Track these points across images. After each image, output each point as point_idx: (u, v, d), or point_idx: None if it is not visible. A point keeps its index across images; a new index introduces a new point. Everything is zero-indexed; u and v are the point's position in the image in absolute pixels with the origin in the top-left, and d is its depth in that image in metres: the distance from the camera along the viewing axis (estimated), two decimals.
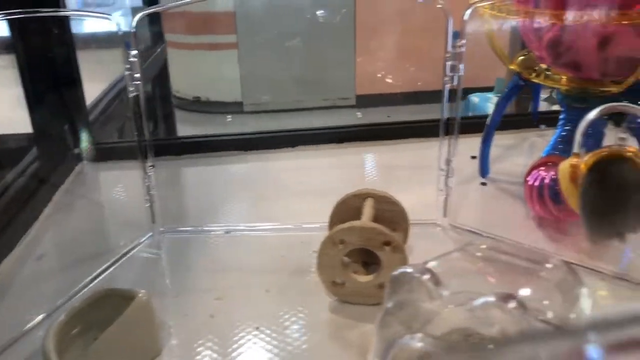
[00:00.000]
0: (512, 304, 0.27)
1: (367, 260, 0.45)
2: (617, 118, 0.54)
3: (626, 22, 0.48)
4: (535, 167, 0.54)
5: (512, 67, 0.60)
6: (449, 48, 0.49)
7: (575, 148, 0.47)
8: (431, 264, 0.32)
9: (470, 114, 1.37)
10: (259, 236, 0.55)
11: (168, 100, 1.25)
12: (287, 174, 0.68)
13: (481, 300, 0.27)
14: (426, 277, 0.30)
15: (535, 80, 0.59)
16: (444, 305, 0.28)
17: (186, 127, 2.50)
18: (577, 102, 0.58)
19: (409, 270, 0.30)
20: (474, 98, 1.38)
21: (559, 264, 0.34)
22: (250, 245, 0.53)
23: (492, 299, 0.27)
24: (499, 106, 0.62)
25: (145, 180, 0.54)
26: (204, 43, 2.46)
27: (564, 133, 0.60)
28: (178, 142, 0.73)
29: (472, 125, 0.75)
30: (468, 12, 0.48)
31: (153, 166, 0.53)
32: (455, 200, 0.60)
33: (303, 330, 0.41)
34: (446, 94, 0.51)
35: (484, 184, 0.64)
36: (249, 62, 2.44)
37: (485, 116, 0.80)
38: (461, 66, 0.50)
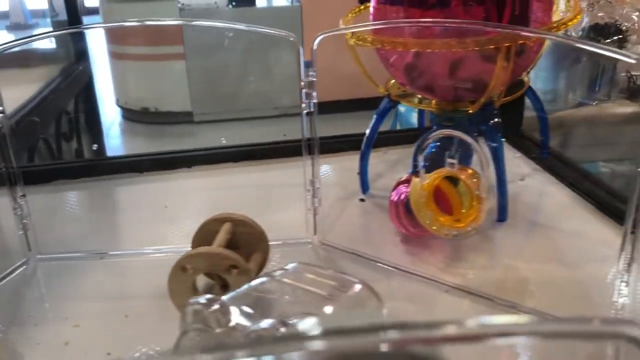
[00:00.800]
0: (283, 329, 0.29)
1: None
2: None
3: (472, 49, 0.51)
4: (399, 183, 0.57)
5: (380, 90, 0.62)
6: (302, 77, 0.52)
7: (417, 167, 0.51)
8: (227, 295, 0.34)
9: (397, 125, 1.40)
10: (132, 261, 0.56)
11: (94, 118, 1.24)
12: (175, 197, 0.69)
13: (258, 326, 0.30)
14: (215, 307, 0.32)
15: (406, 104, 0.62)
16: (228, 333, 0.31)
17: (135, 139, 2.49)
18: (445, 121, 0.62)
19: (200, 300, 0.32)
20: (401, 108, 1.42)
21: (361, 288, 0.36)
22: (121, 270, 0.55)
23: (267, 324, 0.30)
24: (373, 125, 0.65)
25: (17, 210, 0.55)
26: (151, 54, 2.45)
27: (433, 150, 0.63)
28: (64, 167, 0.74)
29: (400, 138, 0.78)
30: (316, 42, 0.51)
31: (24, 195, 0.54)
32: (332, 217, 0.63)
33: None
34: (304, 118, 0.53)
35: (362, 200, 0.67)
36: (197, 72, 2.44)
37: (410, 129, 0.84)
38: (314, 93, 0.53)
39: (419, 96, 0.61)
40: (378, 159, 0.76)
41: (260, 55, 2.29)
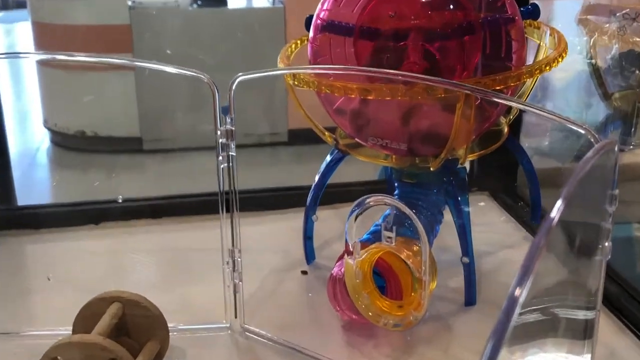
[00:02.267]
0: None
1: None
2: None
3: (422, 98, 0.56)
4: (345, 253, 0.60)
5: (327, 139, 0.67)
6: (218, 126, 0.56)
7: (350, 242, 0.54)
8: None
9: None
10: None
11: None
12: (70, 262, 0.73)
13: None
14: None
15: (357, 156, 0.66)
16: None
17: (65, 171, 2.53)
18: (406, 177, 0.66)
19: None
20: None
21: None
22: None
23: None
24: (320, 178, 0.69)
25: None
26: (91, 63, 2.52)
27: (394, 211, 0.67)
28: None
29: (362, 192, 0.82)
30: (234, 85, 0.55)
31: None
32: (262, 294, 0.66)
33: None
34: (220, 175, 0.57)
35: (304, 272, 0.70)
36: (149, 88, 2.49)
37: (378, 181, 0.88)
38: (233, 145, 0.57)
39: None
40: (335, 217, 0.80)
41: (235, 65, 2.36)
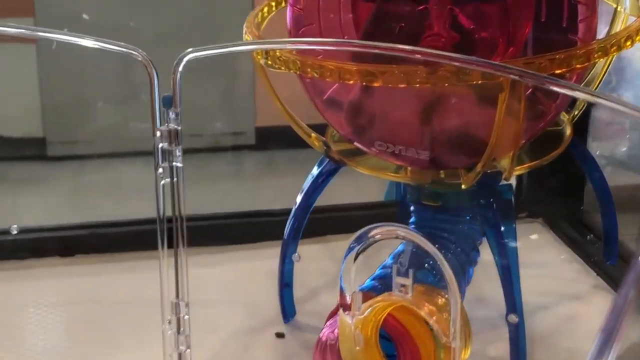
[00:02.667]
0: None
1: None
2: None
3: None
4: (342, 307, 0.60)
5: (314, 143, 0.67)
6: (158, 124, 0.56)
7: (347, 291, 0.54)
8: None
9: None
10: None
11: None
12: None
13: None
14: None
15: (357, 168, 0.66)
16: None
17: None
18: (427, 198, 0.66)
19: None
20: None
21: None
22: None
23: None
24: (304, 199, 0.69)
25: None
26: None
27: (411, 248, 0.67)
28: None
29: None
30: (180, 66, 0.55)
31: None
32: None
33: None
34: (160, 195, 0.57)
35: (280, 335, 0.70)
36: (56, 68, 2.49)
37: (385, 204, 0.87)
38: (178, 151, 0.56)
39: None
40: (324, 255, 0.80)
41: (183, 37, 2.35)
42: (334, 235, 0.82)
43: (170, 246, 0.58)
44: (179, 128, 0.56)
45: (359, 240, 0.52)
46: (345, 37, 0.62)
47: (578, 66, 0.57)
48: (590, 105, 0.78)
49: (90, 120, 2.43)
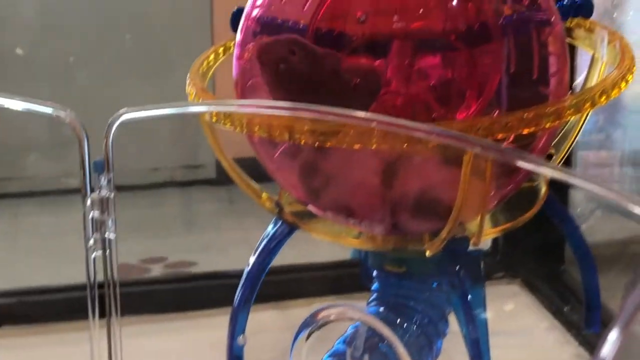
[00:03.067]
0: None
1: None
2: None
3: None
4: None
5: (265, 204, 0.67)
6: (88, 191, 0.57)
7: None
8: None
9: None
10: None
11: None
12: None
13: None
14: None
15: (311, 232, 0.67)
16: None
17: None
18: (392, 263, 0.67)
19: None
20: None
21: None
22: None
23: None
24: (254, 267, 0.70)
25: None
26: None
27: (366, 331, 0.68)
28: None
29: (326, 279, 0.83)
30: (113, 129, 0.56)
31: None
32: None
33: None
34: (92, 267, 0.58)
35: None
36: None
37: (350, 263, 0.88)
38: (110, 222, 0.57)
39: None
40: (278, 322, 0.80)
41: (131, 76, 2.33)
42: (292, 300, 0.83)
43: (101, 316, 0.58)
44: (112, 195, 0.57)
45: (306, 324, 0.53)
46: None
47: (548, 125, 0.58)
48: (571, 156, 0.79)
49: (20, 171, 2.37)
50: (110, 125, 0.56)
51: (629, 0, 1.25)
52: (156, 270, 1.91)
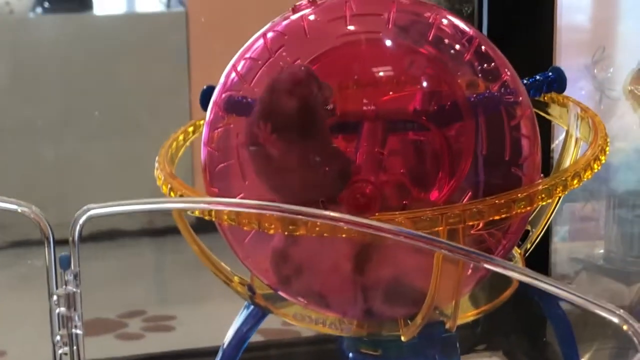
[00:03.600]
0: None
1: None
2: None
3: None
4: None
5: (239, 290, 0.68)
6: (53, 287, 0.57)
7: None
8: None
9: None
10: None
11: None
12: None
13: None
14: None
15: (284, 317, 0.68)
16: None
17: None
18: (366, 347, 0.68)
19: None
20: None
21: None
22: None
23: None
24: (228, 350, 0.70)
25: None
26: None
27: None
28: None
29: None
30: (80, 220, 0.57)
31: None
32: None
33: None
34: None
35: None
36: None
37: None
38: (77, 317, 0.58)
39: None
40: None
41: (107, 114, 2.33)
42: None
43: None
44: (78, 291, 0.58)
45: None
46: None
47: (521, 211, 0.59)
48: (548, 232, 0.80)
49: None
50: (75, 221, 0.57)
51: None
52: (135, 325, 1.91)
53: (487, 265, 0.50)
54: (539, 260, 0.83)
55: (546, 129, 0.81)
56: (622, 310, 0.43)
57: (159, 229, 2.28)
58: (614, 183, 1.16)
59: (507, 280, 0.69)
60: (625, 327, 0.43)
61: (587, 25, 1.30)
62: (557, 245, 1.21)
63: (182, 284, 1.95)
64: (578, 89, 1.16)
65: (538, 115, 0.73)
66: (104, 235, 1.96)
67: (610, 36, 1.28)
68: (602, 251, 1.18)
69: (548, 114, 0.74)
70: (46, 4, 2.51)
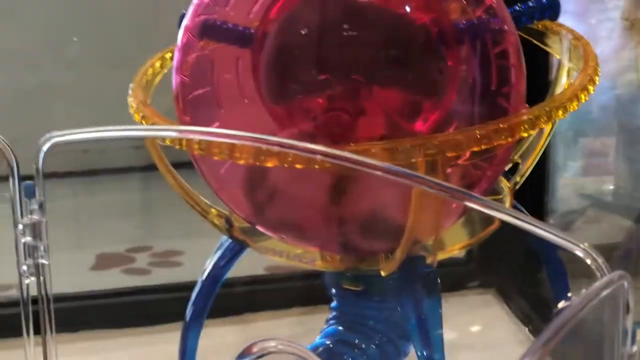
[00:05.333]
0: None
1: None
2: None
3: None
4: None
5: (213, 220, 0.68)
6: (19, 216, 0.58)
7: None
8: None
9: None
10: None
11: None
12: None
13: None
14: None
15: (266, 253, 0.68)
16: None
17: None
18: (348, 282, 0.68)
19: None
20: None
21: None
22: None
23: None
24: (206, 283, 0.71)
25: None
26: None
27: (327, 342, 0.69)
28: None
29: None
30: (44, 147, 0.57)
31: None
32: None
33: None
34: (25, 293, 0.59)
35: None
36: None
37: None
38: (43, 246, 0.58)
39: None
40: (237, 338, 0.81)
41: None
42: (254, 314, 0.83)
43: (36, 332, 0.59)
44: (44, 220, 0.58)
45: (243, 355, 0.54)
46: (246, 100, 0.64)
47: (503, 141, 0.59)
48: (544, 160, 0.79)
49: None
50: (39, 149, 0.57)
51: None
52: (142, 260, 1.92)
53: (467, 203, 0.50)
54: (535, 193, 0.82)
55: (544, 58, 0.80)
56: (585, 244, 0.43)
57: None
58: (624, 117, 1.15)
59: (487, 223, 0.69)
60: (588, 261, 0.43)
61: None
62: (567, 180, 1.20)
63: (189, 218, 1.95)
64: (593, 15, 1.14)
65: (535, 44, 0.73)
66: (103, 171, 1.97)
67: None
68: (611, 187, 1.18)
69: (544, 43, 0.73)
70: None
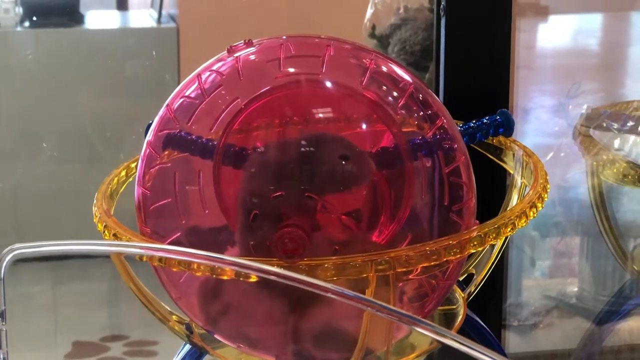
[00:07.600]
0: None
1: None
2: None
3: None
4: None
5: (177, 329, 0.70)
6: None
7: None
8: None
9: None
10: None
11: None
12: None
13: None
14: None
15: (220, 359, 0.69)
16: None
17: None
18: None
19: None
20: None
21: None
22: None
23: None
24: None
25: None
26: None
27: None
28: None
29: None
30: (7, 259, 0.58)
31: None
32: None
33: None
34: None
35: None
36: None
37: None
38: (1, 355, 0.59)
39: None
40: None
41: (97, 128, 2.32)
42: None
43: None
44: (4, 329, 0.59)
45: None
46: (207, 211, 0.65)
47: (453, 257, 0.61)
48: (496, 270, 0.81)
49: None
50: (1, 260, 0.58)
51: None
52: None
53: (416, 328, 0.51)
54: (494, 300, 0.83)
55: (502, 172, 0.82)
56: None
57: None
58: (587, 221, 1.17)
59: (448, 323, 0.71)
60: None
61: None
62: (532, 282, 1.22)
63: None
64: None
65: (490, 158, 0.75)
66: (76, 257, 1.97)
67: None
68: (575, 289, 1.19)
69: (499, 158, 0.75)
70: (34, 18, 2.50)
